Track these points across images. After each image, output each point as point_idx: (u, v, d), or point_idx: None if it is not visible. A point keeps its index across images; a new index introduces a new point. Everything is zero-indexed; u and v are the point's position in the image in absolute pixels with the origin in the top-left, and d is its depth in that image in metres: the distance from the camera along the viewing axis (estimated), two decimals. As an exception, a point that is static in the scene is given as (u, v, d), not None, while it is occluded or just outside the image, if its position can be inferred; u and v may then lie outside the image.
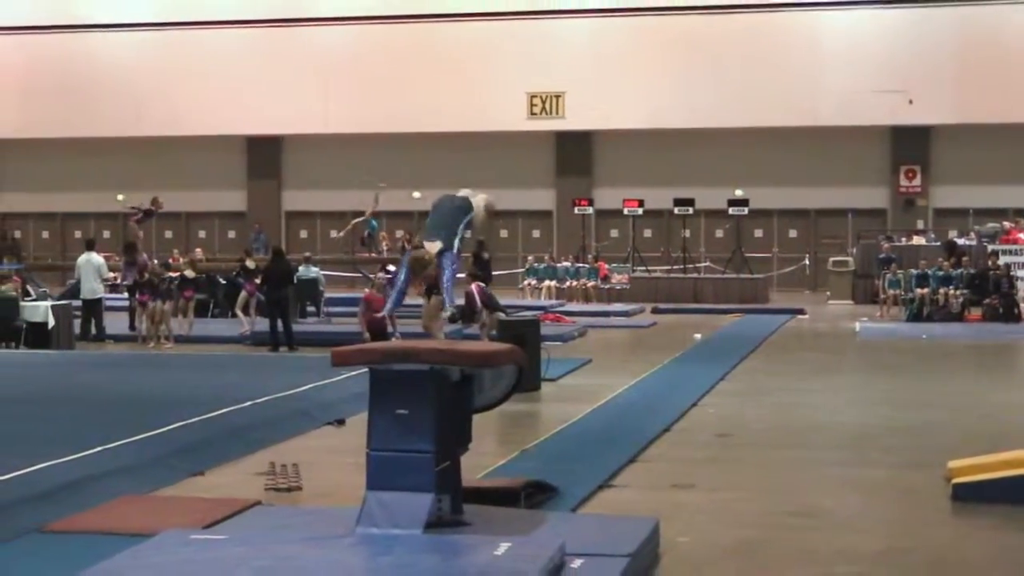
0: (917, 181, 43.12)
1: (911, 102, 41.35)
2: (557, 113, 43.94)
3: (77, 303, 26.79)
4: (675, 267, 41.51)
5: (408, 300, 10.77)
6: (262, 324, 25.62)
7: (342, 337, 21.17)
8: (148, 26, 45.84)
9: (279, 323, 24.62)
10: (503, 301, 24.97)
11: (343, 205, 43.15)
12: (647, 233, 44.31)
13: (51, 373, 20.01)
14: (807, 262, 43.22)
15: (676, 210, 40.60)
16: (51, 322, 24.09)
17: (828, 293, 38.73)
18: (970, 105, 40.94)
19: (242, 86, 44.53)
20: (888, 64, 41.57)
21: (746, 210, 40.54)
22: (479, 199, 10.71)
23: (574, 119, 43.65)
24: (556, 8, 43.79)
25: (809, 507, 10.99)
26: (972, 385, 19.96)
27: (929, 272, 32.88)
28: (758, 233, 44.29)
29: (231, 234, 47.41)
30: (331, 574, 8.15)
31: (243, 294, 27.09)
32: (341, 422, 15.07)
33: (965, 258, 34.24)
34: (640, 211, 40.77)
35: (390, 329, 21.09)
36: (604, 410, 16.35)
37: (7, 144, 47.87)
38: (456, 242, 10.17)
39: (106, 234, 45.04)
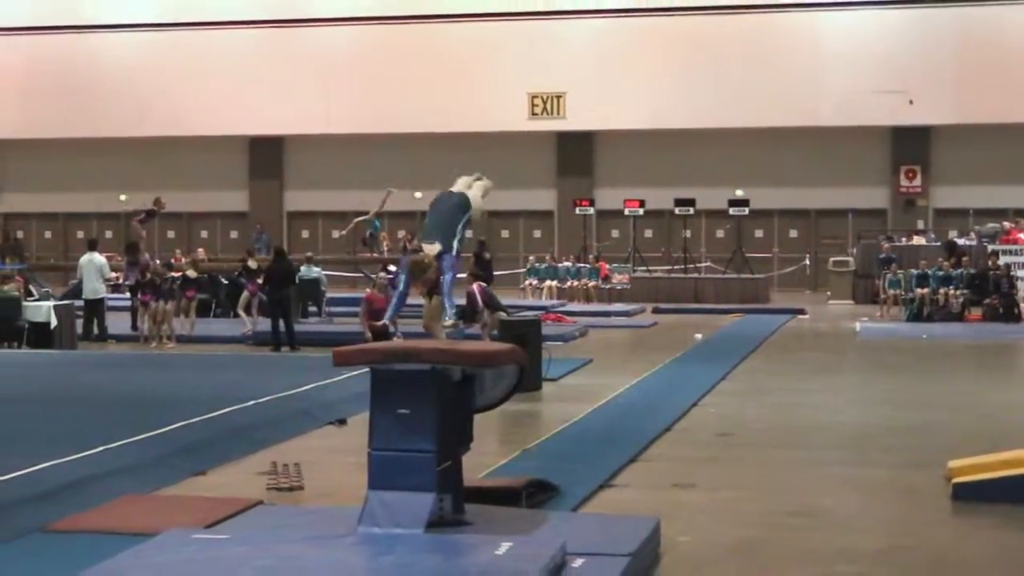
0: (917, 181, 43.14)
1: (911, 102, 41.37)
2: (558, 113, 43.97)
3: (79, 303, 26.82)
4: (676, 267, 41.52)
5: (409, 300, 10.76)
6: (264, 324, 25.65)
7: (344, 337, 21.17)
8: (150, 26, 45.87)
9: (281, 323, 24.65)
10: (504, 301, 24.99)
11: (345, 205, 43.17)
12: (648, 233, 44.34)
13: (53, 373, 20.02)
14: (807, 262, 43.23)
15: (677, 210, 40.63)
16: (53, 322, 24.11)
17: (828, 293, 38.74)
18: (970, 105, 40.96)
19: (244, 86, 44.57)
20: (888, 64, 41.59)
21: (747, 210, 40.56)
22: (476, 191, 10.67)
23: (575, 119, 43.68)
24: (557, 9, 43.80)
25: (809, 507, 11.01)
26: (972, 385, 19.98)
27: (929, 272, 32.90)
28: (759, 233, 44.31)
29: (233, 234, 47.44)
30: (333, 573, 8.16)
31: (245, 294, 27.11)
32: (343, 422, 15.08)
33: (965, 258, 34.25)
34: (641, 211, 40.80)
35: (391, 329, 21.10)
36: (605, 410, 16.36)
37: (10, 144, 47.92)
38: (455, 243, 10.09)
39: (108, 234, 45.08)
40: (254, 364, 21.31)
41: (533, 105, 43.98)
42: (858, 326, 29.85)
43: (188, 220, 47.04)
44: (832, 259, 39.67)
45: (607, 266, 39.16)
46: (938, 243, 37.88)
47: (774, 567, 9.17)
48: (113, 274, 30.36)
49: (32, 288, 27.85)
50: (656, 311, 34.74)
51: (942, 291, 32.54)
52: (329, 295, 32.25)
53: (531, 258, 40.50)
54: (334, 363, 9.64)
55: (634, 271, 40.09)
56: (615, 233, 44.43)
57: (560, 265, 38.84)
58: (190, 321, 27.10)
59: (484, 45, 43.71)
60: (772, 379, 20.14)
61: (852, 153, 42.92)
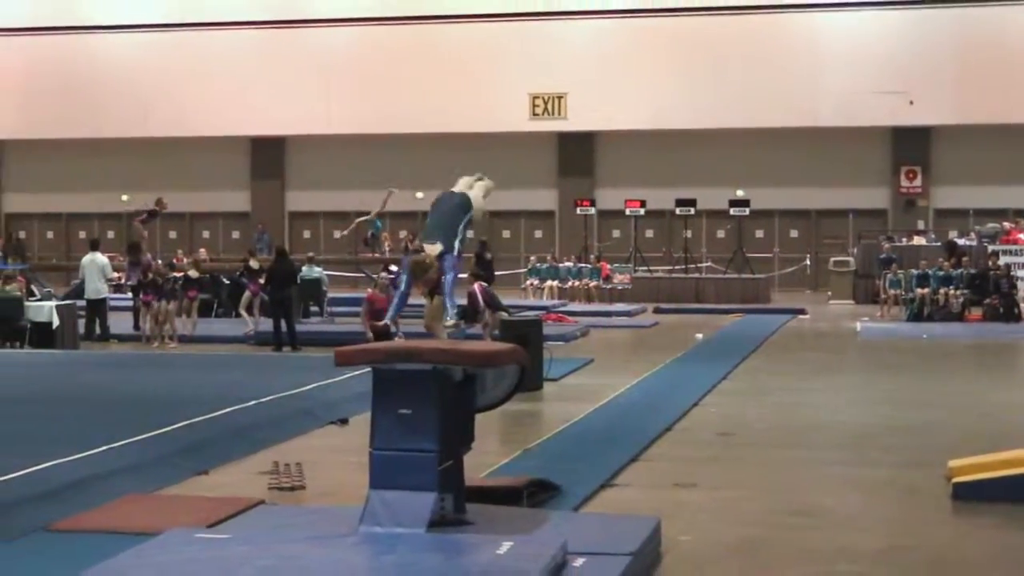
0: (918, 182, 43.16)
1: (912, 103, 41.41)
2: (559, 114, 43.99)
3: (81, 303, 26.84)
4: (677, 267, 41.54)
5: (410, 300, 10.77)
6: (266, 324, 25.67)
7: (345, 337, 21.20)
8: (152, 27, 45.89)
9: (282, 323, 24.68)
10: (506, 301, 25.02)
11: (346, 205, 43.18)
12: (649, 233, 44.38)
13: (56, 373, 20.05)
14: (808, 262, 43.25)
15: (678, 210, 40.64)
16: (55, 322, 24.13)
17: (829, 293, 38.76)
18: (970, 106, 40.99)
19: (246, 87, 44.60)
20: (889, 65, 41.61)
21: (747, 210, 40.58)
22: (477, 192, 10.66)
23: (576, 120, 43.70)
24: (558, 9, 43.82)
25: (810, 506, 11.03)
26: (972, 385, 19.98)
27: (930, 272, 32.91)
28: (759, 233, 44.33)
29: (235, 234, 47.47)
30: (335, 573, 8.17)
31: (247, 294, 27.12)
32: (344, 421, 15.09)
33: (965, 258, 34.26)
34: (642, 211, 40.81)
35: (393, 329, 21.13)
36: (606, 409, 16.38)
37: (12, 145, 48.00)
38: (456, 243, 10.07)
39: (110, 234, 45.12)
40: (256, 364, 21.31)
41: (534, 105, 44.01)
42: (859, 326, 29.86)
43: (190, 220, 47.07)
44: (833, 259, 39.69)
45: (608, 266, 39.18)
46: (938, 243, 37.89)
47: (775, 566, 9.19)
48: (115, 274, 30.35)
49: (34, 288, 27.87)
50: (657, 311, 34.76)
51: (942, 291, 32.56)
52: (330, 295, 32.26)
53: (532, 258, 40.53)
54: (336, 363, 9.65)
55: (635, 271, 40.11)
56: (616, 233, 44.45)
57: (561, 265, 38.86)
58: (192, 321, 27.12)
59: (485, 46, 43.74)
60: (773, 379, 20.16)
61: (852, 153, 42.93)
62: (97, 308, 26.87)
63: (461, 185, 10.74)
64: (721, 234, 44.27)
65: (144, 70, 45.53)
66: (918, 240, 38.58)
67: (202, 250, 37.64)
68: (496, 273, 34.59)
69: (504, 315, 21.59)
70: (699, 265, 42.95)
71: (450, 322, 9.84)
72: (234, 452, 13.19)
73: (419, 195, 38.79)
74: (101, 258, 27.50)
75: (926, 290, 32.61)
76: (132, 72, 45.57)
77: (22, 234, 47.87)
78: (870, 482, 12.16)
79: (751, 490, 11.69)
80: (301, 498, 11.27)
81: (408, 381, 9.15)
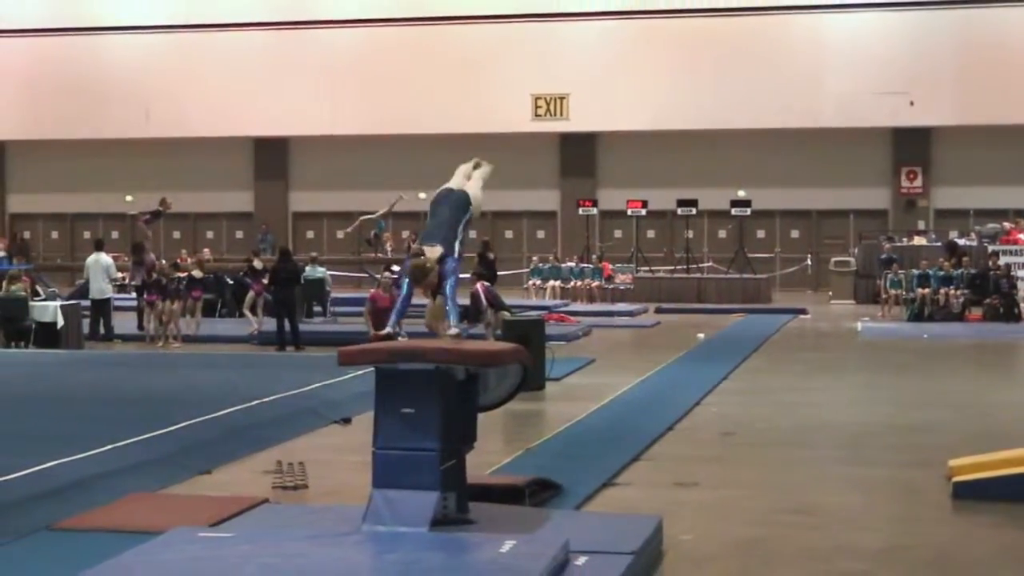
0: (918, 182, 43.16)
1: (912, 104, 41.42)
2: (561, 115, 44.00)
3: (86, 303, 26.90)
4: (678, 267, 41.52)
5: (412, 300, 10.74)
6: (269, 324, 25.71)
7: (348, 337, 21.16)
8: (157, 28, 45.91)
9: (286, 323, 24.72)
10: (508, 301, 25.03)
11: (349, 206, 43.17)
12: (651, 233, 44.38)
13: (60, 372, 20.07)
14: (809, 262, 43.23)
15: (679, 211, 40.64)
16: (60, 322, 24.18)
17: (830, 293, 38.76)
18: (971, 106, 40.99)
19: (250, 88, 44.61)
20: (889, 66, 41.62)
21: (749, 211, 40.58)
22: (475, 183, 10.48)
23: (578, 120, 43.71)
24: (561, 11, 43.83)
25: (811, 505, 11.07)
26: (973, 384, 20.02)
27: (930, 272, 32.92)
28: (760, 234, 44.33)
29: (238, 234, 47.48)
30: (337, 572, 8.19)
31: (250, 294, 27.16)
32: (347, 421, 15.12)
33: (966, 258, 34.25)
34: (644, 212, 40.81)
35: (396, 329, 21.15)
36: (608, 409, 16.42)
37: (17, 145, 48.04)
38: (457, 245, 9.90)
39: (114, 235, 45.09)
40: (259, 364, 21.35)
41: (536, 106, 44.02)
42: (859, 326, 29.88)
43: (194, 220, 47.07)
44: (833, 259, 39.69)
45: (610, 266, 39.18)
46: (939, 243, 37.88)
47: (776, 565, 9.23)
48: (119, 274, 30.43)
49: (39, 288, 27.90)
50: (659, 311, 34.76)
51: (943, 291, 32.57)
52: (334, 295, 32.33)
53: (535, 258, 40.54)
54: (339, 363, 9.69)
55: (637, 271, 40.11)
56: (618, 233, 44.45)
57: (563, 265, 38.86)
58: (196, 321, 27.14)
59: (488, 47, 43.75)
60: (774, 378, 20.19)
61: (853, 154, 42.93)
62: (101, 308, 26.92)
63: (458, 175, 10.58)
64: (722, 234, 44.26)
65: (148, 71, 45.55)
66: (919, 240, 38.58)
67: (206, 250, 37.67)
68: (499, 273, 34.59)
69: (506, 315, 21.61)
70: (700, 265, 42.94)
71: (452, 331, 9.57)
72: (237, 451, 13.23)
73: (422, 195, 38.72)
74: (105, 258, 27.56)
75: (927, 290, 32.63)
76: (136, 73, 45.59)
77: (27, 234, 47.88)
78: (871, 481, 12.20)
79: (752, 489, 11.72)
80: (304, 497, 11.30)
81: (411, 381, 9.18)
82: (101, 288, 26.95)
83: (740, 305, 35.74)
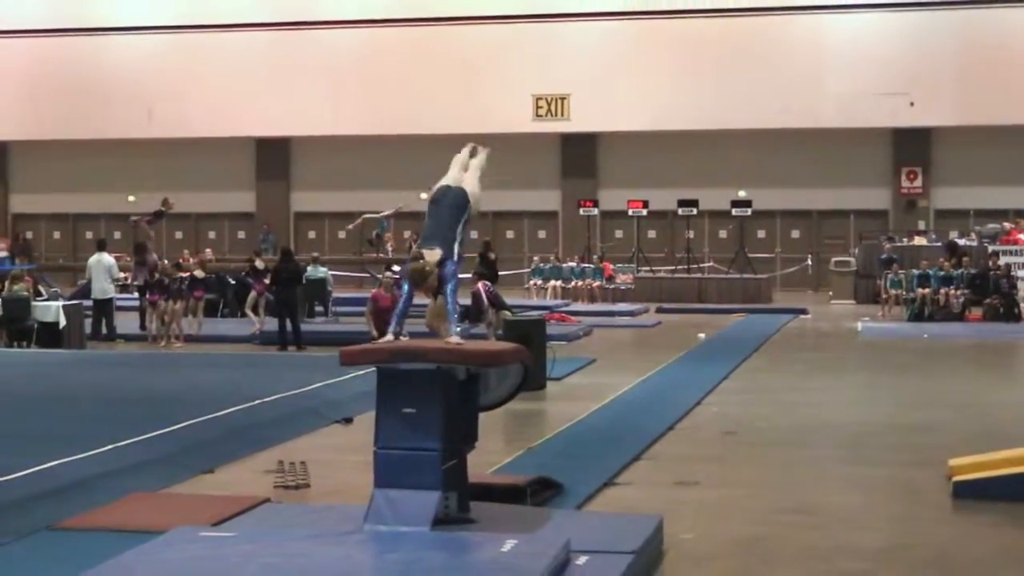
0: (918, 182, 43.16)
1: (912, 104, 41.43)
2: (562, 115, 44.02)
3: (88, 303, 26.92)
4: (679, 267, 41.53)
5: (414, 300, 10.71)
6: (271, 324, 25.73)
7: (350, 336, 21.30)
8: (159, 29, 45.92)
9: (287, 322, 24.75)
10: (509, 301, 25.07)
11: (351, 206, 43.13)
12: (651, 234, 44.39)
13: (62, 372, 20.10)
14: (809, 262, 43.22)
15: (680, 211, 40.64)
16: (62, 322, 24.21)
17: (830, 293, 38.77)
18: (971, 107, 40.99)
19: (251, 88, 44.62)
20: (890, 67, 41.62)
21: (749, 211, 40.59)
22: (472, 177, 10.35)
23: (579, 121, 43.72)
24: (562, 11, 43.84)
25: (811, 504, 11.09)
26: (973, 384, 20.03)
27: (930, 272, 32.93)
28: (761, 234, 44.33)
29: (240, 235, 47.49)
30: (339, 571, 8.21)
31: (252, 294, 27.18)
32: (349, 420, 15.15)
33: (966, 258, 34.25)
34: (644, 212, 40.82)
35: (397, 329, 21.17)
36: (609, 409, 16.45)
37: (19, 146, 48.06)
38: (456, 247, 9.76)
39: (117, 235, 45.06)
40: (261, 363, 21.37)
41: (537, 107, 44.03)
42: (860, 326, 29.90)
43: (196, 221, 47.09)
44: (834, 259, 39.69)
45: (611, 266, 39.19)
46: (939, 243, 37.89)
47: (776, 564, 9.25)
48: (121, 274, 30.46)
49: (41, 288, 27.96)
50: (660, 311, 34.76)
51: (943, 291, 32.58)
52: (335, 295, 32.36)
53: (536, 258, 40.55)
54: (341, 362, 9.70)
55: (638, 271, 40.11)
56: (619, 233, 44.46)
57: (564, 265, 38.86)
58: (198, 321, 27.17)
59: (489, 47, 43.77)
60: (774, 378, 20.21)
61: (854, 154, 42.93)
62: (103, 308, 26.95)
63: (455, 168, 10.43)
64: (723, 234, 44.26)
65: (150, 71, 45.56)
66: (919, 240, 38.58)
67: (208, 250, 37.70)
68: (500, 273, 34.60)
69: (508, 315, 21.62)
70: (701, 265, 42.93)
71: (454, 338, 9.42)
72: (239, 451, 13.25)
73: (423, 196, 38.75)
74: (108, 258, 27.59)
75: (927, 290, 32.64)
76: (138, 73, 45.61)
77: (29, 234, 47.99)
78: (871, 481, 12.23)
79: (753, 488, 11.75)
80: (306, 496, 11.33)
81: (412, 380, 9.20)
82: (103, 288, 26.98)
83: (741, 305, 35.75)
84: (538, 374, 17.23)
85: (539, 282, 38.42)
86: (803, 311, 33.91)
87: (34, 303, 24.79)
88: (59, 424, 14.22)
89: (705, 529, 10.18)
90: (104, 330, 26.70)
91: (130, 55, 45.90)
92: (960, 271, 33.07)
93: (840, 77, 41.63)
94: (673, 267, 42.01)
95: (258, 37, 45.23)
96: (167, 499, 11.13)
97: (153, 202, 32.81)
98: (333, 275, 33.33)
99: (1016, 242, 36.23)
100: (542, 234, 45.93)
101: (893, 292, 33.68)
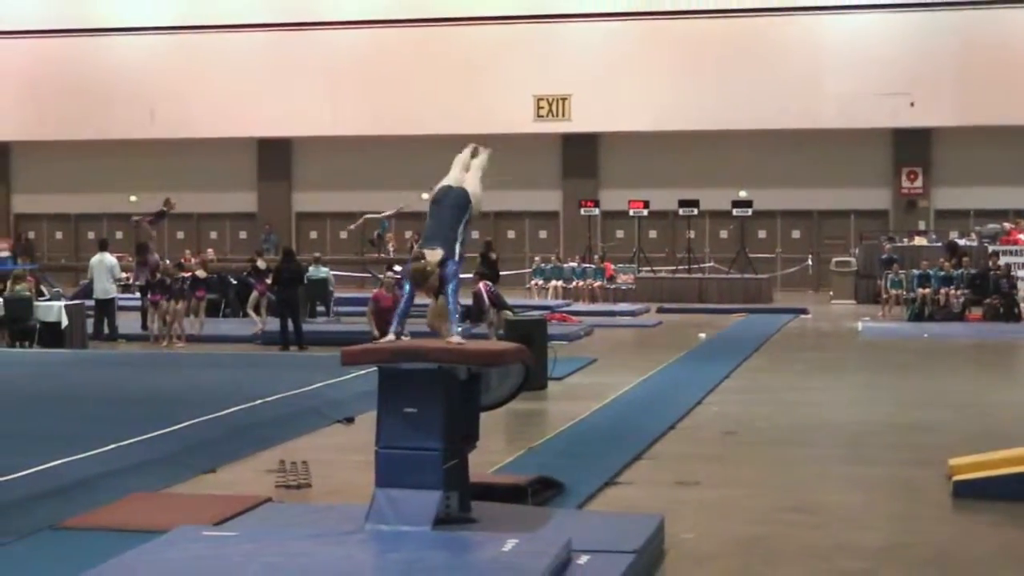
0: (919, 183, 43.19)
1: (913, 105, 41.46)
2: (563, 115, 44.05)
3: (90, 303, 26.95)
4: (680, 267, 41.55)
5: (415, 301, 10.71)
6: (273, 324, 25.76)
7: (351, 336, 21.34)
8: (161, 30, 45.96)
9: (289, 322, 24.78)
10: (510, 301, 25.08)
11: (352, 206, 43.15)
12: (652, 234, 44.40)
13: (64, 372, 20.13)
14: (810, 262, 43.24)
15: (681, 211, 40.65)
16: (64, 322, 24.25)
17: (831, 293, 38.79)
18: (971, 107, 41.01)
19: (253, 89, 44.64)
20: (890, 67, 41.63)
21: (750, 211, 40.61)
22: (474, 177, 10.30)
23: (580, 121, 43.75)
24: (563, 12, 43.86)
25: (812, 504, 11.11)
26: (973, 384, 20.06)
27: (931, 272, 32.94)
28: (762, 234, 44.35)
29: (242, 235, 47.52)
30: (340, 570, 8.22)
31: (254, 294, 27.22)
32: (350, 420, 15.17)
33: (966, 258, 34.26)
34: (645, 212, 40.84)
35: (399, 329, 21.18)
36: (610, 408, 16.46)
37: (21, 146, 48.10)
38: (457, 247, 9.72)
39: (119, 235, 45.08)
40: (262, 363, 21.40)
41: (539, 107, 44.06)
42: (860, 326, 29.91)
43: (197, 221, 47.13)
44: (834, 259, 39.70)
45: (612, 266, 39.21)
46: (939, 244, 37.91)
47: (777, 563, 9.27)
48: (123, 274, 30.49)
49: (43, 288, 27.98)
50: (660, 311, 34.79)
51: (943, 291, 32.59)
52: (337, 295, 32.37)
53: (537, 258, 40.57)
54: (342, 362, 9.71)
55: (639, 271, 40.14)
56: (620, 234, 44.48)
57: (565, 265, 38.87)
58: (200, 321, 27.21)
59: (490, 48, 43.79)
60: (775, 378, 20.22)
61: (854, 155, 42.95)
62: (105, 308, 26.98)
63: (456, 168, 10.41)
64: (724, 234, 44.28)
65: (152, 72, 45.60)
66: (919, 240, 38.60)
67: (210, 250, 37.75)
68: (501, 273, 34.62)
69: (509, 314, 21.63)
70: (702, 265, 42.94)
71: (454, 338, 9.41)
72: (241, 450, 13.27)
73: (425, 196, 38.78)
74: (109, 258, 27.61)
75: (927, 290, 32.65)
76: (140, 74, 45.64)
77: (31, 234, 48.05)
78: (871, 480, 12.25)
79: (753, 488, 11.77)
80: (307, 496, 11.34)
81: (413, 380, 9.21)
82: (105, 288, 27.01)
83: (741, 305, 35.77)
84: (539, 374, 17.24)
85: (540, 282, 38.43)
86: (803, 311, 33.93)
87: (36, 303, 24.83)
88: (61, 424, 14.25)
89: (706, 528, 10.19)
90: (106, 330, 26.73)
91: (132, 56, 45.95)
92: (960, 271, 33.09)
93: (840, 77, 41.65)
94: (674, 267, 42.04)
95: (260, 38, 45.26)
96: (169, 499, 11.14)
97: (155, 202, 32.82)
98: (334, 275, 33.34)
99: (1016, 242, 36.24)
100: (543, 234, 45.96)
101: (893, 292, 33.70)
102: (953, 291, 32.54)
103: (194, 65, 45.36)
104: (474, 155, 10.61)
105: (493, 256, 34.04)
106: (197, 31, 45.64)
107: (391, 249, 39.53)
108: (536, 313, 24.56)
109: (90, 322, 26.20)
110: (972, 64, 41.12)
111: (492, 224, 43.51)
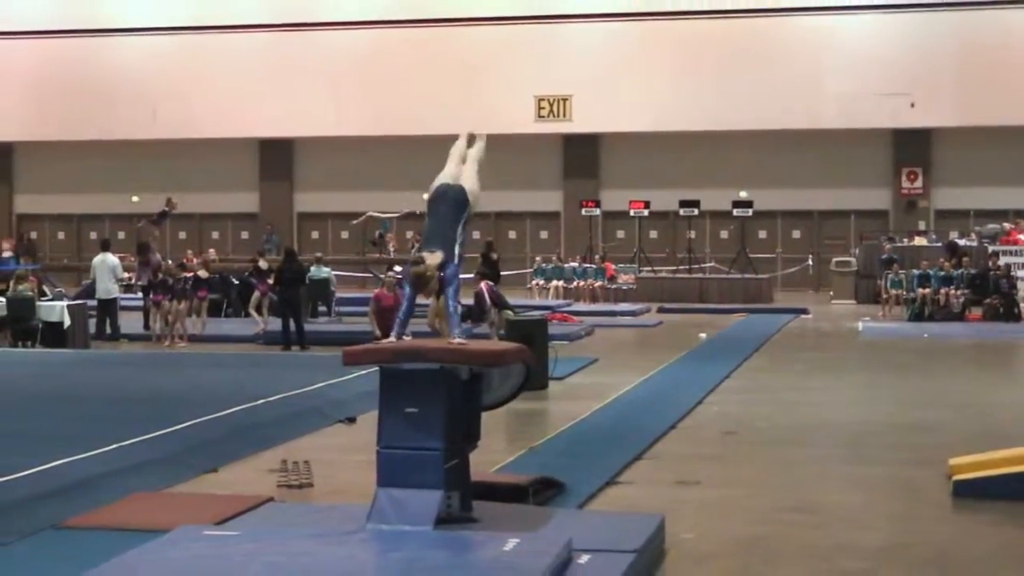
0: (919, 183, 43.20)
1: (913, 105, 41.47)
2: (564, 116, 44.06)
3: (92, 303, 26.98)
4: (680, 267, 41.57)
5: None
6: (274, 324, 25.79)
7: (353, 336, 21.36)
8: (163, 30, 45.97)
9: (291, 322, 24.81)
10: (511, 301, 25.09)
11: (354, 206, 43.25)
12: (653, 234, 44.40)
13: (66, 372, 20.16)
14: (810, 262, 43.25)
15: (681, 211, 40.67)
16: (67, 322, 24.26)
17: (831, 293, 38.80)
18: (971, 108, 41.02)
19: (255, 89, 44.65)
20: (890, 68, 41.64)
21: (750, 211, 40.61)
22: (470, 171, 10.22)
23: (581, 122, 43.75)
24: (563, 13, 43.87)
25: (812, 503, 11.13)
26: (973, 384, 20.04)
27: (931, 272, 32.96)
28: (762, 234, 44.36)
29: (244, 235, 47.52)
30: (342, 570, 8.22)
31: (256, 294, 27.24)
32: (352, 420, 15.18)
33: (966, 259, 34.27)
34: (646, 212, 40.85)
35: (400, 330, 21.19)
36: (611, 408, 16.48)
37: (24, 146, 48.11)
38: (457, 249, 9.67)
39: (121, 235, 45.09)
40: (264, 363, 21.42)
41: (540, 108, 44.07)
42: (860, 326, 29.92)
43: (199, 221, 47.13)
44: (835, 259, 39.71)
45: (613, 266, 39.22)
46: (939, 244, 37.92)
47: (777, 563, 9.28)
48: (126, 274, 30.52)
49: (46, 288, 27.98)
50: (661, 311, 34.80)
51: (943, 291, 32.61)
52: (338, 295, 32.39)
53: (538, 258, 40.57)
54: (344, 362, 9.72)
55: (639, 271, 40.15)
56: (621, 234, 44.49)
57: (566, 265, 38.88)
58: (202, 321, 27.24)
59: (491, 48, 43.79)
60: (775, 378, 20.23)
61: (854, 155, 42.95)
62: (108, 308, 27.00)
63: (452, 162, 10.32)
64: (724, 235, 44.28)
65: (154, 72, 45.61)
66: (919, 241, 38.62)
67: (211, 250, 37.77)
68: (502, 273, 34.63)
69: (510, 314, 21.64)
70: (703, 265, 42.94)
71: (455, 341, 9.40)
72: (243, 450, 13.29)
73: (426, 196, 38.80)
74: (112, 258, 27.65)
75: (927, 290, 32.67)
76: (142, 74, 45.65)
77: (34, 235, 48.07)
78: (871, 480, 12.26)
79: (754, 487, 11.78)
80: (309, 496, 11.36)
81: (415, 380, 9.22)
82: (107, 288, 27.04)
83: (742, 305, 35.79)
84: (540, 374, 17.27)
85: (541, 282, 38.44)
86: (804, 311, 33.95)
87: (39, 303, 24.83)
88: (63, 424, 14.27)
89: (706, 528, 10.21)
90: (108, 330, 26.76)
91: (134, 56, 45.97)
92: (960, 271, 33.11)
93: (841, 78, 41.66)
94: (674, 267, 42.06)
95: (262, 38, 45.28)
96: (171, 498, 11.16)
97: (157, 202, 32.91)
98: (336, 275, 33.37)
99: (1016, 242, 36.26)
100: (544, 234, 45.97)
101: (893, 292, 33.72)
102: (953, 291, 32.56)
103: (196, 66, 45.39)
104: (470, 144, 10.51)
105: (494, 256, 34.05)
106: (199, 32, 45.67)
107: (392, 249, 39.54)
108: (537, 313, 24.57)
109: (92, 322, 26.24)
110: (972, 64, 41.13)
111: (493, 224, 43.53)
